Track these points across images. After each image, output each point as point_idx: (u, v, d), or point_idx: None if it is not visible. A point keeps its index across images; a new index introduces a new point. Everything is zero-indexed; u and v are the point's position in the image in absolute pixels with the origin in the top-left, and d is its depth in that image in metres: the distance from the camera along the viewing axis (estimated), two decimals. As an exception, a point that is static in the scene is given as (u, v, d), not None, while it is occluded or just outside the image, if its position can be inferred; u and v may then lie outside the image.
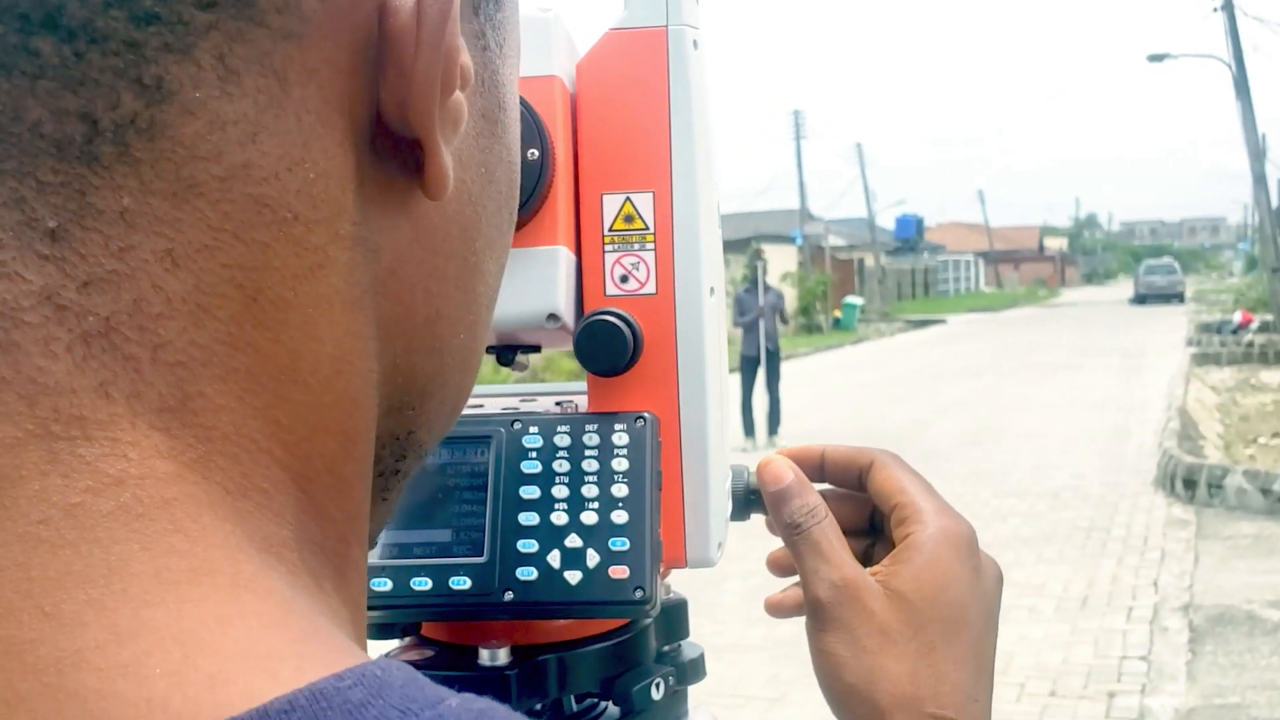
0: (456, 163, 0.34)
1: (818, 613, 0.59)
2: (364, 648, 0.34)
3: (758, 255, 11.22)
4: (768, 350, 10.89)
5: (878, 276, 42.43)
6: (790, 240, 34.51)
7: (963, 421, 12.23)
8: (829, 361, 21.67)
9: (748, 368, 11.01)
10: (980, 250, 73.65)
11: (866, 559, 0.65)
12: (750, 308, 10.97)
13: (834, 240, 39.93)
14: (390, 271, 0.33)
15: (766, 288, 10.99)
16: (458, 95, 0.32)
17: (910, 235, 54.86)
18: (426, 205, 0.34)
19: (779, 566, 0.67)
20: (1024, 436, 11.08)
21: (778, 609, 0.66)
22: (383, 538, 0.60)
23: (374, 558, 0.59)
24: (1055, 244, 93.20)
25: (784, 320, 11.12)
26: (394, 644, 0.66)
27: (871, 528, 0.66)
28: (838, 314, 31.63)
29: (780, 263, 28.31)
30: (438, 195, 0.33)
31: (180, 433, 0.28)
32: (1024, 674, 4.93)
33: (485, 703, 0.26)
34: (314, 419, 0.31)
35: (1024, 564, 6.52)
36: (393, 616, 0.62)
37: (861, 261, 41.38)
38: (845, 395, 15.18)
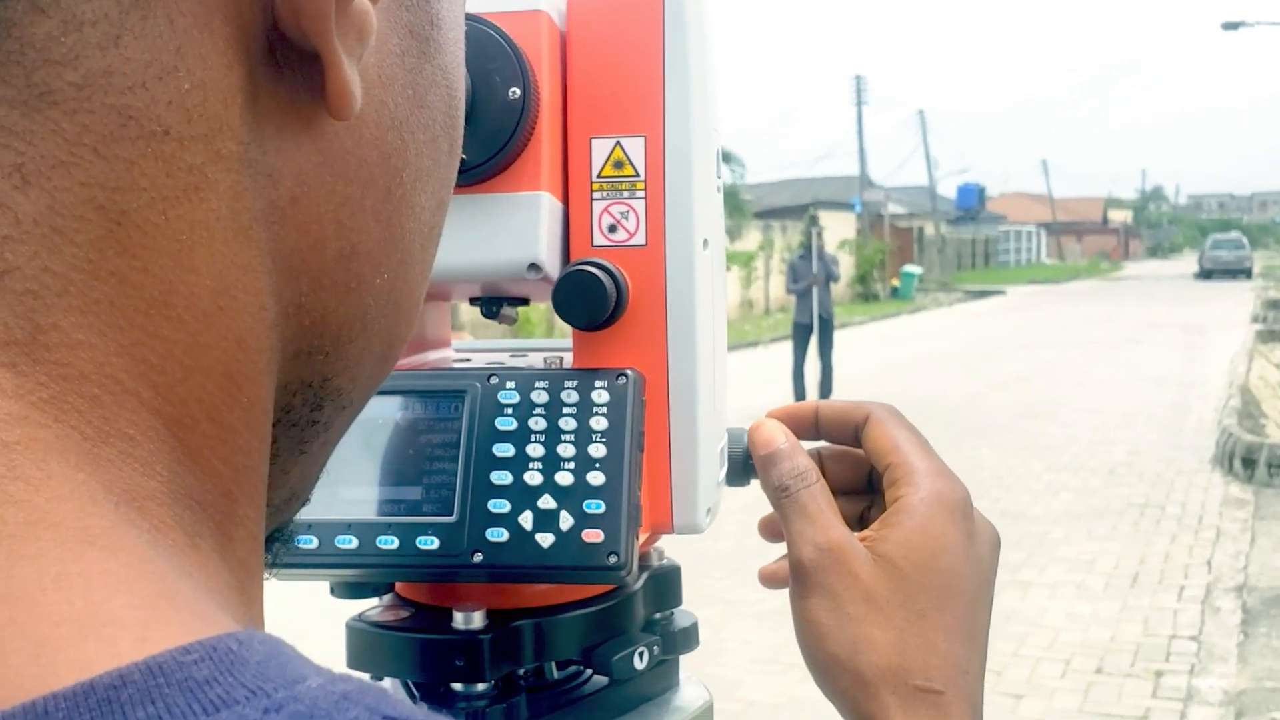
0: (375, 82, 0.31)
1: (801, 577, 0.56)
2: (256, 614, 0.31)
3: (814, 222, 11.10)
4: (821, 318, 10.78)
5: (937, 246, 41.90)
6: (849, 207, 34.23)
7: (1019, 394, 12.05)
8: (885, 331, 21.44)
9: (800, 335, 10.91)
10: (1043, 221, 72.67)
11: (862, 520, 0.62)
12: (804, 274, 10.85)
13: (894, 208, 39.51)
14: (292, 199, 0.30)
15: (821, 255, 10.87)
16: (362, 2, 0.29)
17: (971, 204, 54.17)
18: (337, 128, 0.31)
19: (770, 531, 0.63)
20: (1081, 411, 10.90)
21: (771, 579, 0.62)
22: (349, 493, 0.57)
23: (339, 514, 0.57)
24: (1120, 216, 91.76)
25: (834, 278, 10.99)
26: (371, 603, 0.64)
27: (870, 487, 0.63)
28: (895, 283, 31.31)
29: (839, 230, 28.06)
30: (342, 114, 0.30)
31: (29, 369, 0.25)
32: (1070, 650, 4.86)
33: (353, 684, 0.23)
34: (190, 359, 0.28)
35: (1074, 540, 6.43)
36: (358, 576, 0.59)
37: (921, 230, 40.86)
38: (900, 365, 15.02)
